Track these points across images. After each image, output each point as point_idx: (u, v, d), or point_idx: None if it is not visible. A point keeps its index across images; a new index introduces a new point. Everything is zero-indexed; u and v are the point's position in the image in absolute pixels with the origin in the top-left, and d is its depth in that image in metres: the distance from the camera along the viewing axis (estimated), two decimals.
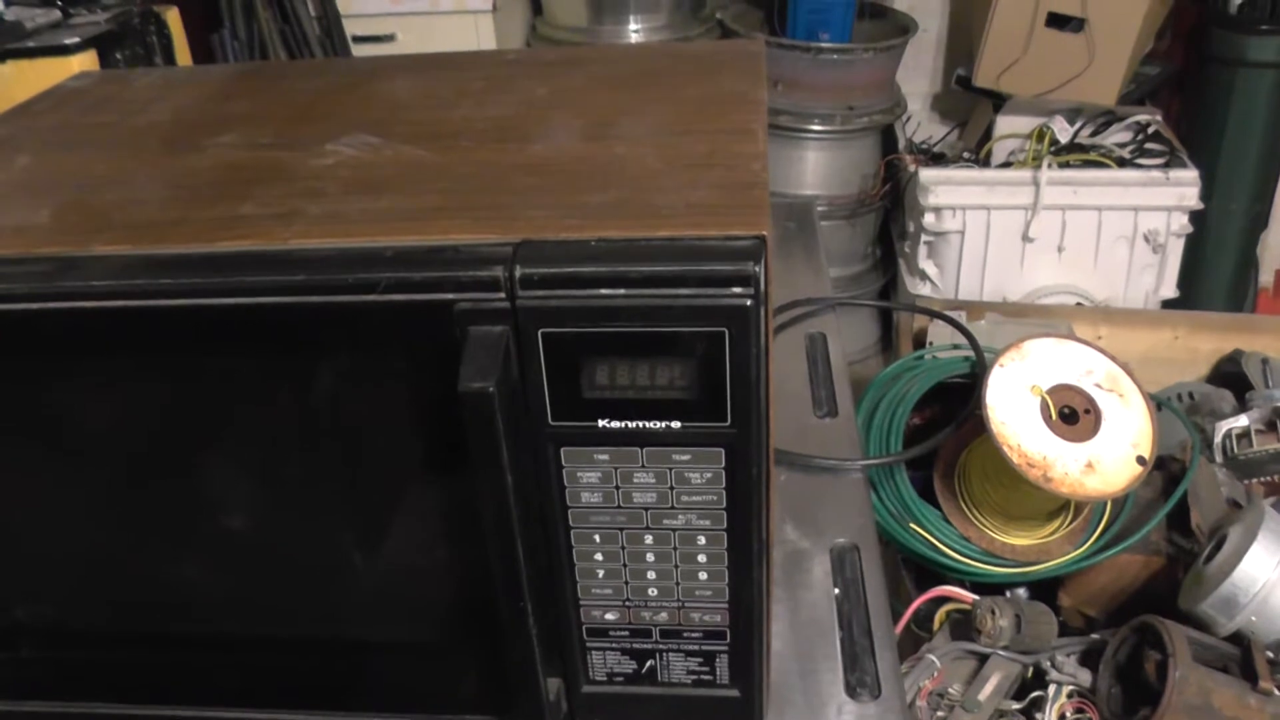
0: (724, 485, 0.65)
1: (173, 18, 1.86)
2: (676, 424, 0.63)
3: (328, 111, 0.89)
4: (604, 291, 0.60)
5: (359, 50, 2.44)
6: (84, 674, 0.83)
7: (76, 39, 1.64)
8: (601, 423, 0.64)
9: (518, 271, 0.60)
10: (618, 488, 0.66)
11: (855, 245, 2.85)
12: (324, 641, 0.79)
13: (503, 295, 0.60)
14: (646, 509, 0.67)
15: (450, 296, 0.61)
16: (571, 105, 0.86)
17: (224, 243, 0.66)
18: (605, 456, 0.65)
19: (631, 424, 0.64)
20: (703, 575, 0.69)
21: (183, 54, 1.88)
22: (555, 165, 0.74)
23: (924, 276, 2.61)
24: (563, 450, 0.65)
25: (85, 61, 1.62)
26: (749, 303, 0.59)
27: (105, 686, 0.83)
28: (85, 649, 0.82)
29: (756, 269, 0.59)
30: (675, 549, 0.68)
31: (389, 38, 2.49)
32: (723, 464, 0.65)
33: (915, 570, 1.52)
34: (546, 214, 0.66)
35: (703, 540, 0.68)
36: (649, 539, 0.68)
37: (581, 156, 0.75)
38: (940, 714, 1.26)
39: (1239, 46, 2.58)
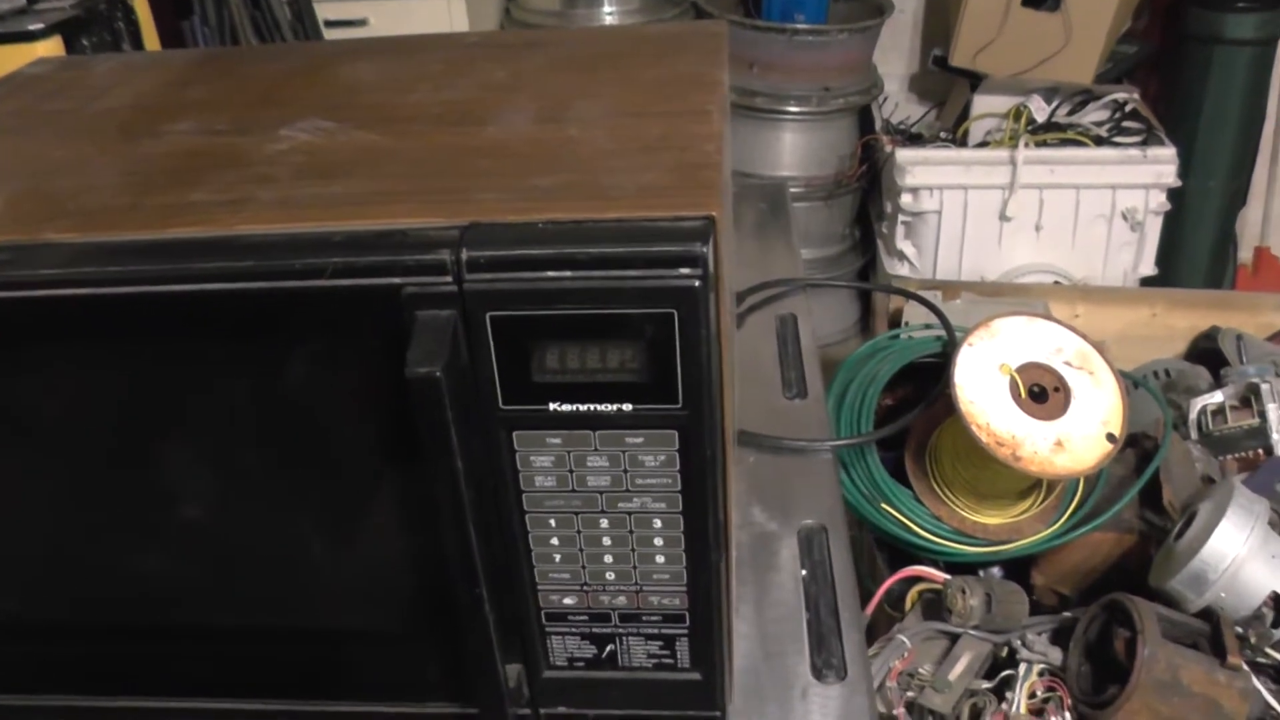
0: (678, 468, 0.65)
1: (141, 4, 1.84)
2: (628, 406, 0.63)
3: (285, 97, 0.88)
4: (551, 274, 0.60)
5: (330, 35, 2.42)
6: (49, 666, 0.82)
7: (41, 25, 1.62)
8: (553, 406, 0.63)
9: (464, 254, 0.60)
10: (571, 471, 0.66)
11: (833, 227, 2.85)
12: (285, 631, 0.79)
13: (449, 279, 0.60)
14: (601, 492, 0.67)
15: (398, 280, 0.61)
16: (528, 88, 0.85)
17: (174, 229, 0.66)
18: (558, 440, 0.65)
19: (583, 407, 0.63)
20: (660, 559, 0.69)
21: (151, 41, 1.86)
22: (508, 148, 0.74)
23: (902, 257, 2.61)
24: (515, 434, 0.65)
25: (50, 48, 1.60)
26: (697, 284, 0.59)
27: (70, 678, 0.83)
28: (49, 641, 0.81)
29: (705, 249, 0.59)
30: (631, 532, 0.68)
31: (361, 22, 2.48)
32: (676, 446, 0.64)
33: (889, 550, 1.52)
34: (497, 197, 0.66)
35: (658, 523, 0.68)
36: (604, 523, 0.68)
37: (535, 139, 0.75)
38: (910, 694, 1.27)
39: (1216, 24, 2.58)
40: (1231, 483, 1.35)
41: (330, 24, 2.44)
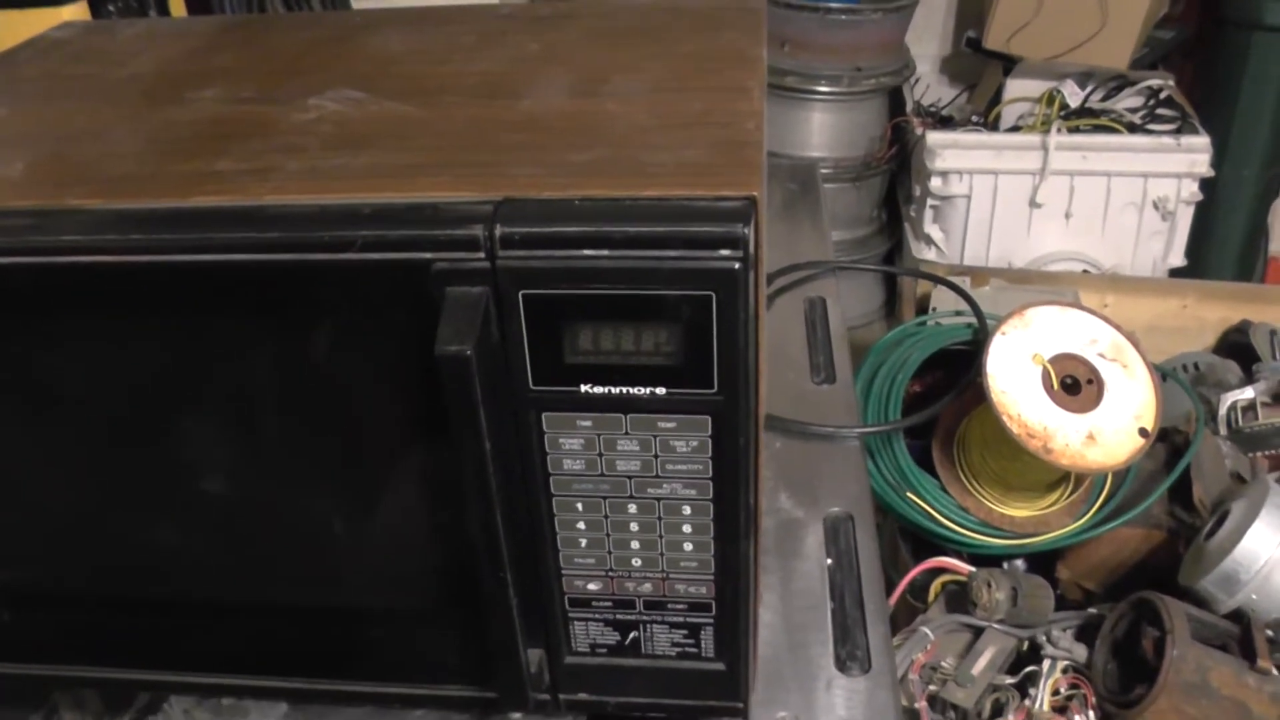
0: (710, 454, 0.63)
1: None
2: (662, 390, 0.61)
3: (313, 66, 0.86)
4: (587, 252, 0.58)
5: (359, 4, 2.40)
6: (69, 637, 0.82)
7: None
8: (584, 388, 0.62)
9: (498, 230, 0.58)
10: (601, 455, 0.64)
11: (861, 209, 2.82)
12: (305, 608, 0.77)
13: (482, 255, 0.58)
14: (630, 477, 0.65)
15: (428, 256, 0.59)
16: (563, 61, 0.83)
17: (198, 198, 0.64)
18: (588, 423, 0.63)
19: (615, 390, 0.62)
20: (688, 546, 0.68)
21: (177, 7, 1.84)
22: (543, 122, 0.72)
23: (929, 241, 2.58)
24: (544, 416, 0.63)
25: (76, 12, 1.58)
26: (737, 266, 0.57)
27: (90, 650, 0.82)
28: (71, 613, 0.80)
29: (746, 231, 0.57)
30: (660, 519, 0.67)
31: None
32: (709, 432, 0.63)
33: (913, 540, 1.51)
34: (531, 172, 0.64)
35: (688, 510, 0.66)
36: (633, 508, 0.66)
37: (570, 114, 0.73)
38: (932, 687, 1.25)
39: (1255, 10, 2.53)
40: (1266, 482, 1.32)
41: None
